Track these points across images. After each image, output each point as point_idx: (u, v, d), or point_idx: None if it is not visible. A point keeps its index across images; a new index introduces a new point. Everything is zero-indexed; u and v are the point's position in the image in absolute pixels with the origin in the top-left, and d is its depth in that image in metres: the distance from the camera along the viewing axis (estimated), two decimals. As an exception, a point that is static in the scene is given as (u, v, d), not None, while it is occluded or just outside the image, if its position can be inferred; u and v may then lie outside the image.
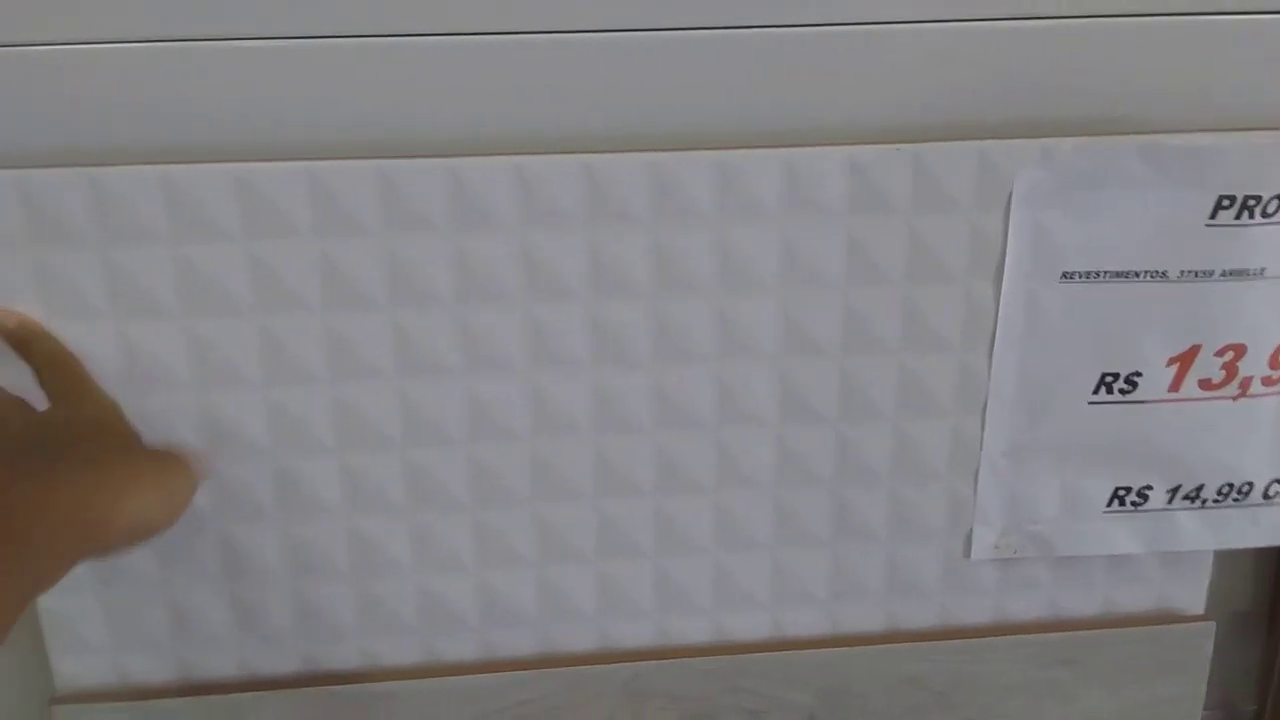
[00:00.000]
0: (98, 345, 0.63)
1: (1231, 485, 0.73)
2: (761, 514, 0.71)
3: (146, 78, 0.61)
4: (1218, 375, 0.70)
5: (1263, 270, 0.68)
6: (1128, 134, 0.66)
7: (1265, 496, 0.74)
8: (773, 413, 0.69)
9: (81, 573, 0.66)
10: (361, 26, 0.61)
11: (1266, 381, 0.71)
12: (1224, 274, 0.68)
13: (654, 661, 0.73)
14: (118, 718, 0.70)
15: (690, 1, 0.62)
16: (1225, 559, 0.78)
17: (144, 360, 0.64)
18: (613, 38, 0.62)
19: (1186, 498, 0.73)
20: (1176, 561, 0.76)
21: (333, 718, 0.72)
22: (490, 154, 0.62)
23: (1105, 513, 0.73)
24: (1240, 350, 0.70)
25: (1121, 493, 0.73)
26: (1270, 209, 0.66)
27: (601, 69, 0.63)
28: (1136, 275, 0.68)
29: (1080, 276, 0.68)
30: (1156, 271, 0.68)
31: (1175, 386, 0.70)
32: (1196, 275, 0.68)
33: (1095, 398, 0.70)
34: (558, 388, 0.67)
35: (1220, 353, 0.70)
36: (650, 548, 0.71)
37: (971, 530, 0.73)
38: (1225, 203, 0.66)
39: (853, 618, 0.75)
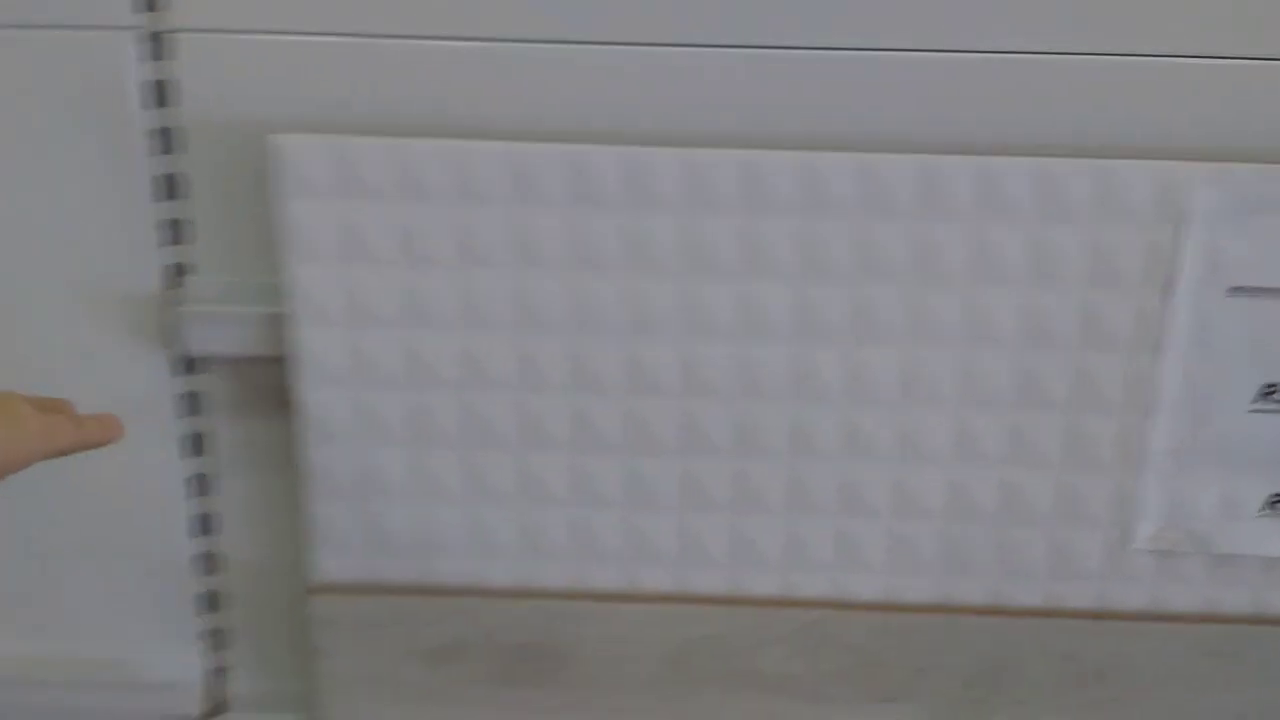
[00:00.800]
0: (383, 292, 0.76)
1: (1390, 500, 0.78)
2: (935, 488, 0.79)
3: (452, 71, 0.74)
4: (1381, 393, 0.75)
5: None
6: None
7: None
8: (953, 395, 0.77)
9: (345, 484, 0.79)
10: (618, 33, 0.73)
11: None
12: (1390, 297, 0.73)
13: (830, 610, 0.81)
14: (364, 609, 0.82)
15: (904, 29, 0.73)
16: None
17: (419, 305, 0.76)
18: (834, 54, 0.74)
19: (1345, 508, 0.78)
20: (1333, 569, 0.81)
21: (542, 628, 0.82)
22: (720, 146, 0.73)
23: (1260, 515, 0.78)
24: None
25: (1277, 498, 0.78)
26: None
27: (835, 84, 0.74)
28: (1303, 292, 0.74)
29: (1248, 292, 0.74)
30: (1324, 291, 0.74)
31: (1336, 401, 0.76)
32: (1364, 297, 0.74)
33: (1255, 406, 0.76)
34: (763, 357, 0.77)
35: (1383, 371, 0.75)
36: (832, 508, 0.80)
37: (1132, 521, 0.79)
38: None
39: (1013, 592, 0.81)
